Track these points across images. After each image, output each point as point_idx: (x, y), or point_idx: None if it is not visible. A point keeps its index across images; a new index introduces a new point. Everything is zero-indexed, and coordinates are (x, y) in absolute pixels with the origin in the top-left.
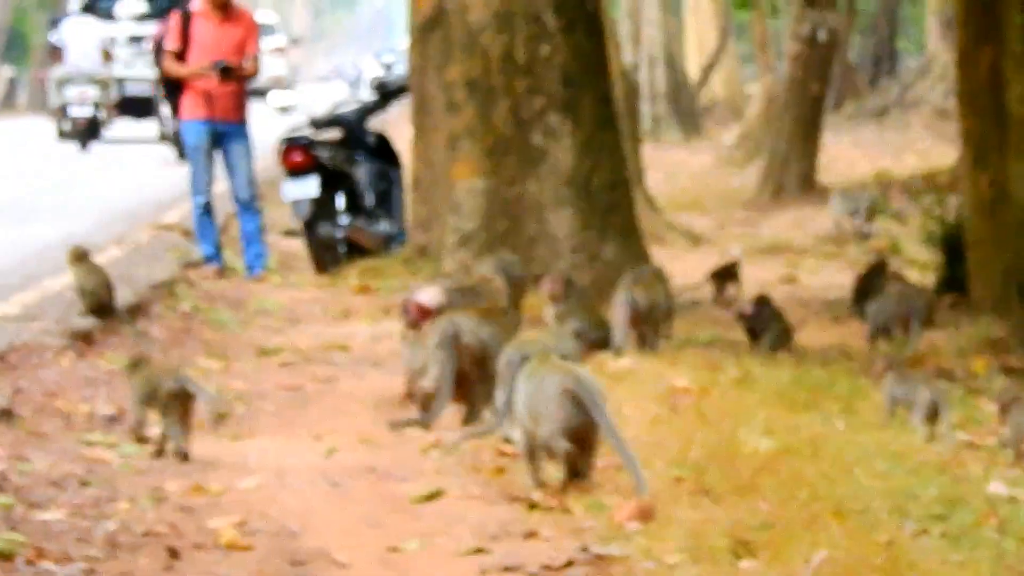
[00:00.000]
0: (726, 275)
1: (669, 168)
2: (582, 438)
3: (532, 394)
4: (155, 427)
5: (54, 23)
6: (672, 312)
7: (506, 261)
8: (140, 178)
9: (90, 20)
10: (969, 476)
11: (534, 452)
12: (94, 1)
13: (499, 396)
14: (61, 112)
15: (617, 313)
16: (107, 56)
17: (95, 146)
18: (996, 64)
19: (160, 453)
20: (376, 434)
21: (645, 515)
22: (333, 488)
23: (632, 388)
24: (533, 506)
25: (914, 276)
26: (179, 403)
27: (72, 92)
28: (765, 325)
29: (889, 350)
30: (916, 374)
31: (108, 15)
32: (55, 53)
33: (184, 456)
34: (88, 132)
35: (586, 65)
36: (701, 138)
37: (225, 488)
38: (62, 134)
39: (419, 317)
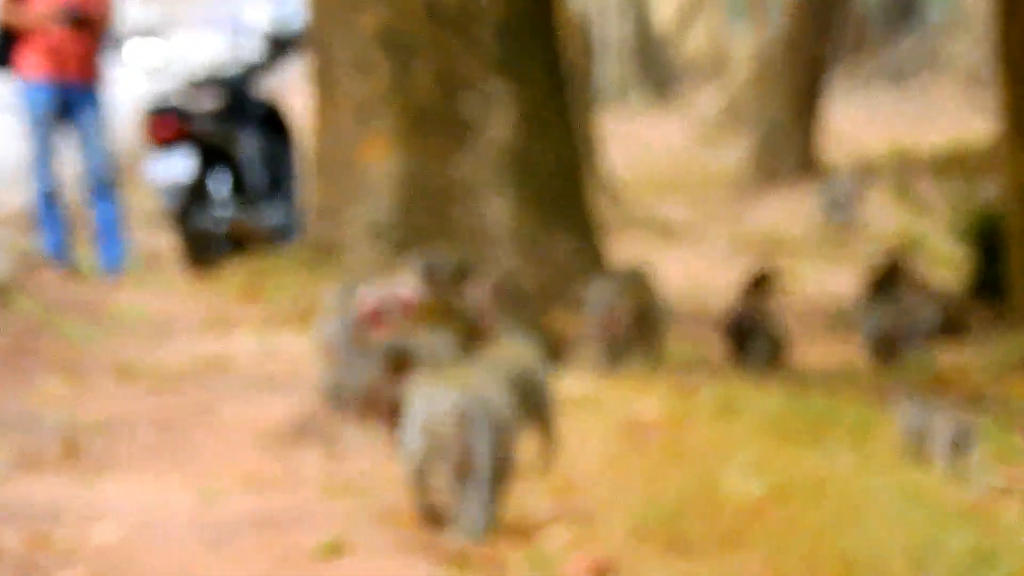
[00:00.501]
0: (761, 286)
1: (635, 143)
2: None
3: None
4: None
5: None
6: (663, 326)
7: (435, 260)
8: None
9: None
10: (1003, 525)
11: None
12: None
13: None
14: None
15: (593, 324)
16: None
17: None
18: None
19: None
20: (266, 473)
21: (601, 572)
22: (213, 541)
23: (591, 418)
24: (459, 559)
25: (940, 278)
26: None
27: None
28: (752, 340)
29: (901, 371)
30: (939, 401)
31: None
32: None
33: None
34: None
35: (530, 15)
36: (675, 106)
37: (76, 541)
38: None
39: (404, 316)
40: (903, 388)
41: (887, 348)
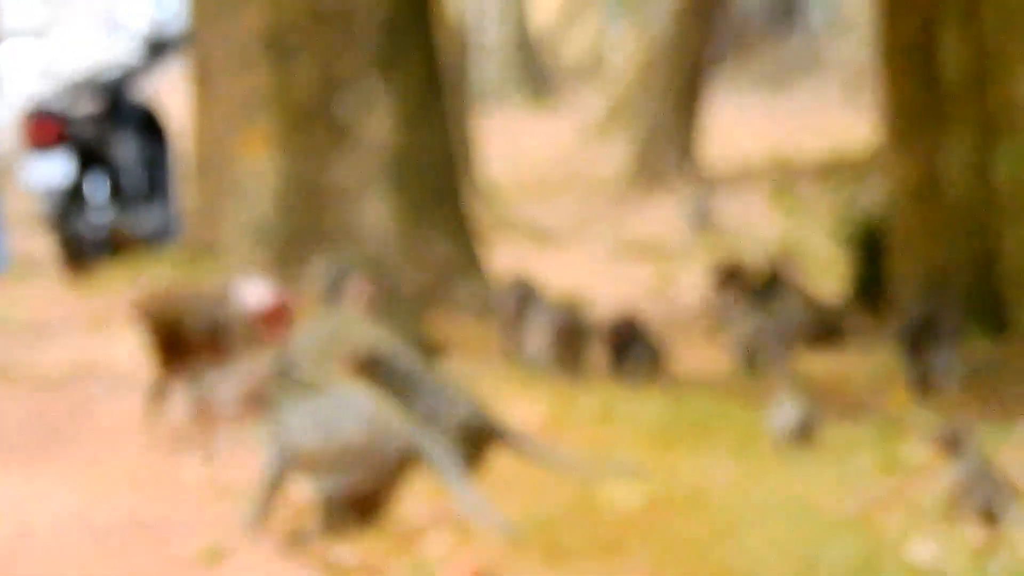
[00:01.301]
0: (731, 278)
1: (513, 146)
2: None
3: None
4: None
5: None
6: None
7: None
8: None
9: None
10: (886, 536)
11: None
12: None
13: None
14: None
15: (537, 335)
16: None
17: None
18: (929, 17)
19: None
20: (146, 476)
21: None
22: (93, 544)
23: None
24: (334, 569)
25: (820, 284)
26: None
27: None
28: (630, 348)
29: (771, 378)
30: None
31: None
32: None
33: None
34: None
35: (409, 15)
36: (554, 108)
37: None
38: None
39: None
40: (778, 394)
41: (756, 354)
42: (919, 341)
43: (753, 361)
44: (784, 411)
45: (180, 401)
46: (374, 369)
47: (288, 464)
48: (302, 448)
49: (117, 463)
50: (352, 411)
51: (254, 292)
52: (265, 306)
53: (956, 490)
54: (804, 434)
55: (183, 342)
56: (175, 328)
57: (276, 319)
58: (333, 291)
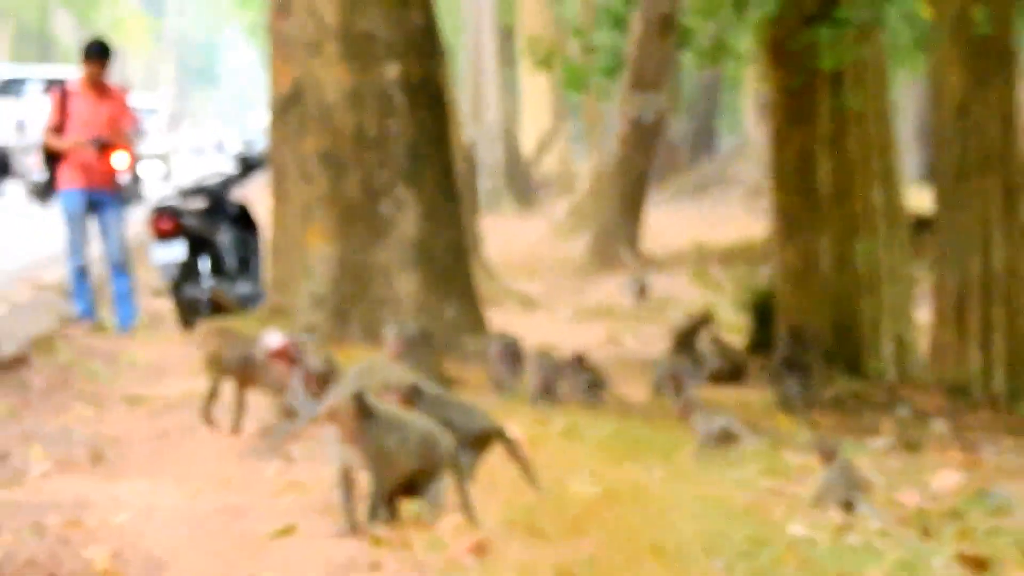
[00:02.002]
0: (692, 333)
1: (505, 237)
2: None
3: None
4: None
5: None
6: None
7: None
8: (24, 237)
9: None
10: (772, 519)
11: (383, 487)
12: (4, 86)
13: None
14: None
15: (533, 374)
16: (20, 128)
17: None
18: (806, 146)
19: None
20: (234, 476)
21: (480, 551)
22: (196, 524)
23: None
24: (377, 541)
25: (728, 338)
26: None
27: None
28: (589, 382)
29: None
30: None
31: (17, 95)
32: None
33: None
34: None
35: (430, 141)
36: (535, 210)
37: (100, 522)
38: None
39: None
40: (685, 405)
41: (672, 386)
42: (782, 376)
43: (665, 390)
44: (708, 421)
45: (253, 415)
46: (413, 395)
47: (379, 461)
48: (391, 449)
49: (214, 466)
50: (409, 426)
51: (270, 338)
52: (275, 347)
53: (825, 486)
54: (725, 439)
55: (224, 368)
56: (217, 358)
57: (281, 356)
58: (410, 347)
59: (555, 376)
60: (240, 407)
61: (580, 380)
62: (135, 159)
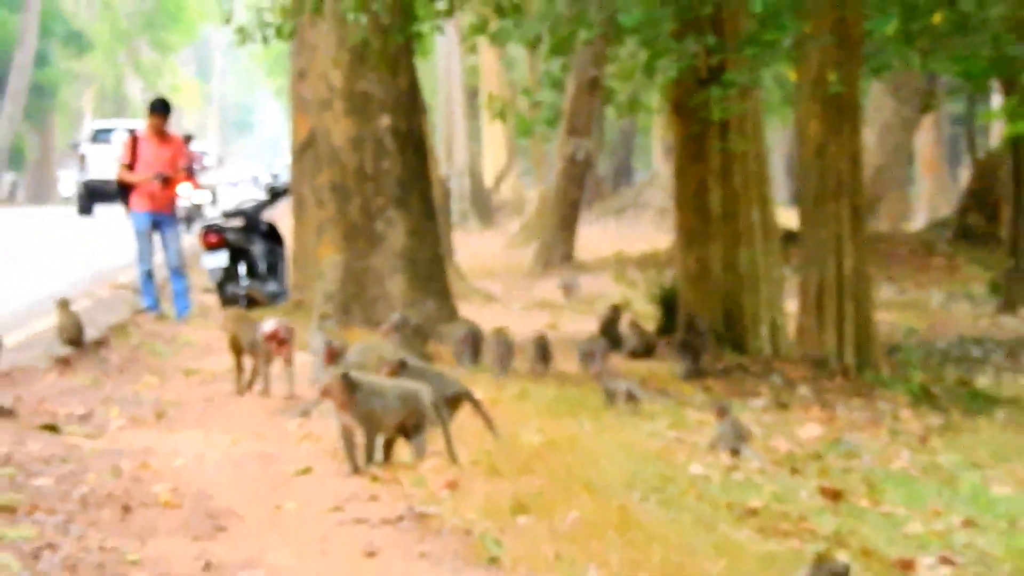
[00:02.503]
0: (612, 325)
1: (471, 248)
2: (409, 427)
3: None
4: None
5: (75, 146)
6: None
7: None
8: (105, 248)
9: (96, 146)
10: (677, 462)
11: (373, 439)
12: (96, 134)
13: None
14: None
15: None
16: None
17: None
18: (701, 178)
19: None
20: (265, 430)
21: (453, 486)
22: (236, 466)
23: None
24: (374, 479)
25: (644, 323)
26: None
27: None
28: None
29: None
30: (622, 377)
31: (107, 141)
32: (81, 161)
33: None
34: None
35: (414, 175)
36: (494, 227)
37: (162, 465)
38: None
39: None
40: (596, 370)
41: (589, 360)
42: (681, 354)
43: (586, 363)
44: (614, 384)
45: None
46: (399, 366)
47: (367, 420)
48: (375, 410)
49: (250, 422)
50: (389, 391)
51: (267, 324)
52: (269, 331)
53: (718, 436)
54: (628, 399)
55: (240, 347)
56: (235, 339)
57: (273, 338)
58: (399, 332)
59: (508, 351)
60: (262, 376)
61: (536, 353)
62: (197, 187)
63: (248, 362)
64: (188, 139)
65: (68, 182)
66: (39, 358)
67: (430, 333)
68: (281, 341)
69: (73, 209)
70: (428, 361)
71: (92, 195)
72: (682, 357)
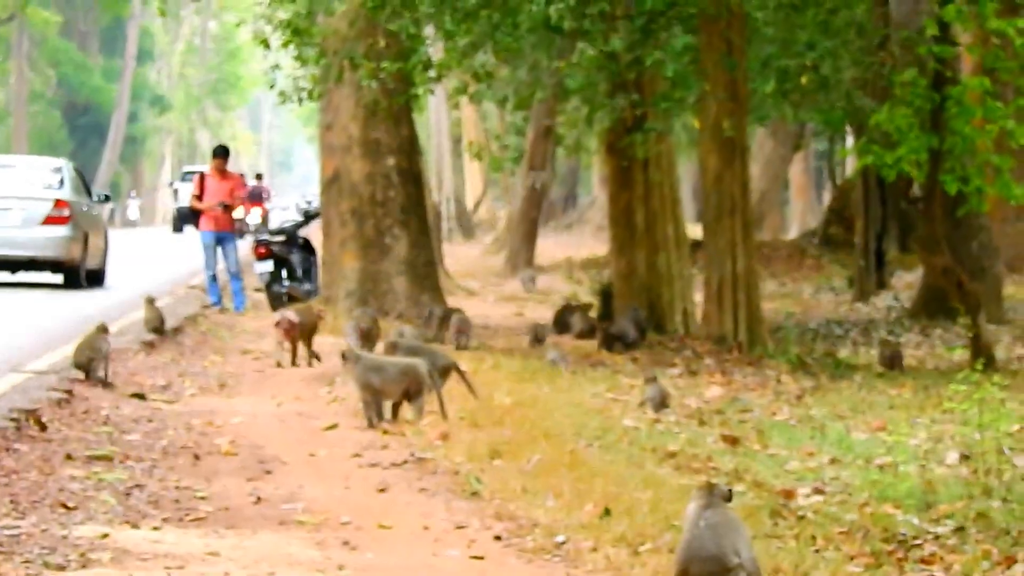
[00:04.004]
0: (566, 315)
1: (456, 256)
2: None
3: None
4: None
5: (170, 184)
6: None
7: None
8: (183, 259)
9: (184, 183)
10: (614, 416)
11: (379, 404)
12: (184, 174)
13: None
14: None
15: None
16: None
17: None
18: (629, 201)
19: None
20: (303, 394)
21: (444, 437)
22: (280, 423)
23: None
24: (385, 432)
25: (591, 313)
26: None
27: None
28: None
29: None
30: (562, 348)
31: (191, 179)
32: (175, 195)
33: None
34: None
35: (413, 202)
36: (473, 240)
37: (223, 423)
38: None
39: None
40: (534, 337)
41: (539, 339)
42: (614, 337)
43: (536, 342)
44: (551, 353)
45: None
46: (394, 348)
47: (371, 388)
48: (378, 383)
49: (291, 389)
50: (388, 365)
51: (276, 315)
52: (276, 320)
53: (647, 396)
54: (564, 361)
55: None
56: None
57: (279, 325)
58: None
59: (466, 326)
60: (296, 353)
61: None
62: (265, 211)
63: (301, 346)
64: (259, 177)
65: (165, 210)
66: (131, 342)
67: (423, 321)
68: (286, 328)
69: (168, 229)
70: (426, 341)
71: (182, 219)
72: (612, 340)
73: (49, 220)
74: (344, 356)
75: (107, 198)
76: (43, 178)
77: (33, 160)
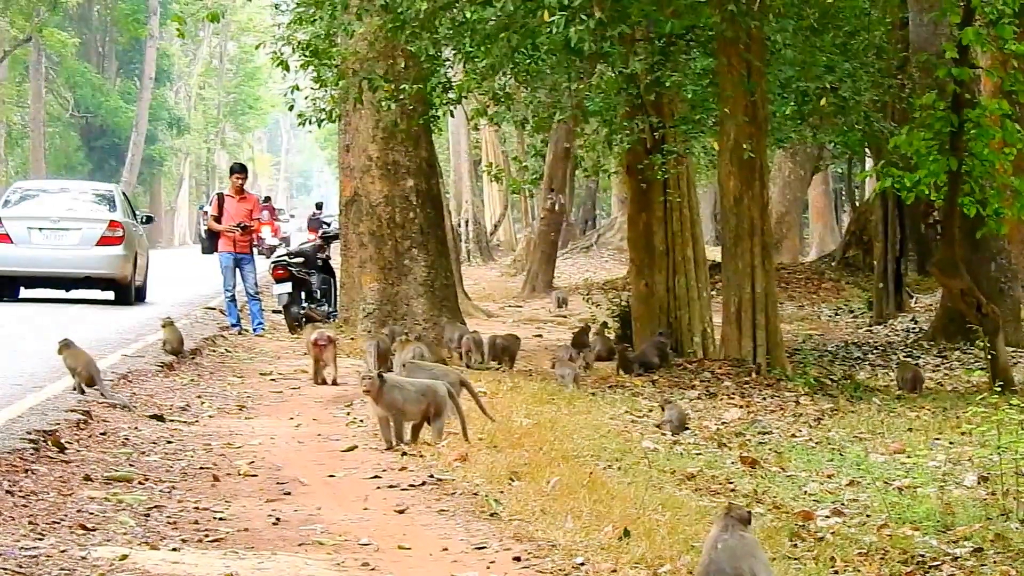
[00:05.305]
0: (583, 336)
1: (475, 278)
2: (431, 415)
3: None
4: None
5: (201, 207)
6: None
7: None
8: (204, 281)
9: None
10: (633, 438)
11: (400, 424)
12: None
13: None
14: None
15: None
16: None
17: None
18: (648, 222)
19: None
20: (321, 416)
21: (463, 458)
22: (299, 444)
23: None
24: (404, 454)
25: (610, 335)
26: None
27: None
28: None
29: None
30: (571, 365)
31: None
32: (203, 216)
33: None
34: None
35: (432, 223)
36: (492, 262)
37: (243, 444)
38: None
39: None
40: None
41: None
42: (637, 362)
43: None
44: (564, 371)
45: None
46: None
47: (396, 411)
48: (401, 403)
49: (310, 411)
50: (408, 387)
51: (312, 334)
52: (313, 339)
53: (666, 418)
54: (575, 382)
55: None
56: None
57: (316, 345)
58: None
59: (478, 346)
60: (312, 370)
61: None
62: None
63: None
64: (268, 199)
65: (182, 231)
66: (150, 363)
67: (441, 343)
68: (321, 346)
69: (198, 249)
70: (443, 362)
71: (211, 240)
72: (634, 367)
73: (104, 240)
74: (364, 377)
75: (150, 219)
76: (96, 201)
77: (85, 184)
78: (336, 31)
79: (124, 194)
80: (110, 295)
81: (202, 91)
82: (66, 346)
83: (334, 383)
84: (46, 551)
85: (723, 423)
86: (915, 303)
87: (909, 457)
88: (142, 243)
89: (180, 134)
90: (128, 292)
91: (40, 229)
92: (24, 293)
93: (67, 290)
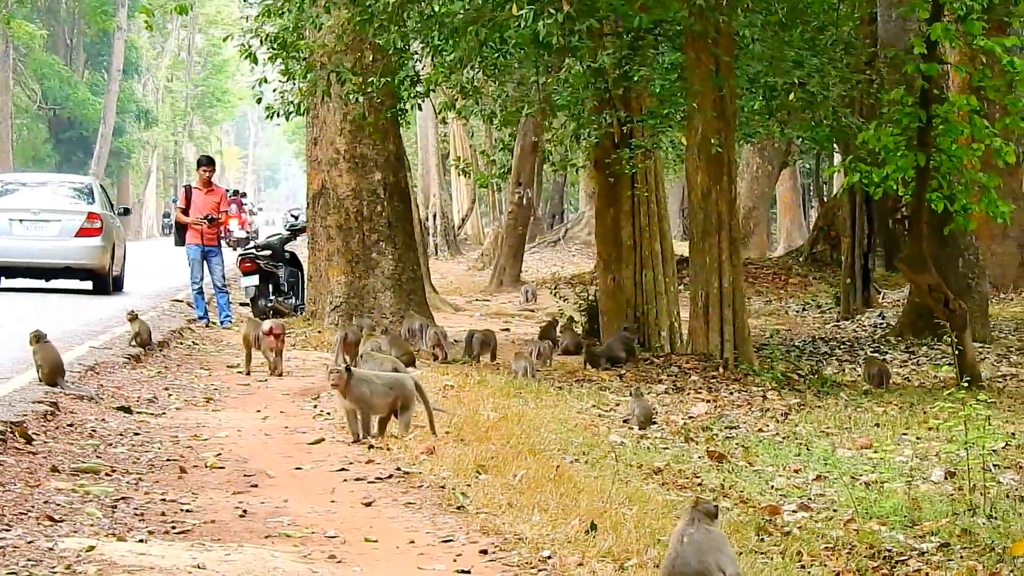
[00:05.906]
0: (550, 330)
1: (443, 271)
2: (398, 408)
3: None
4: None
5: (173, 201)
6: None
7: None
8: (172, 274)
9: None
10: (600, 432)
11: (368, 417)
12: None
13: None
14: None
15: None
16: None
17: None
18: (616, 217)
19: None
20: (288, 408)
21: (430, 451)
22: (266, 437)
23: (424, 385)
24: (371, 447)
25: (577, 330)
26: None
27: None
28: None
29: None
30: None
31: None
32: (177, 210)
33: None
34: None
35: (400, 217)
36: (460, 256)
37: (210, 436)
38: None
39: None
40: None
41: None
42: (603, 356)
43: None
44: (518, 364)
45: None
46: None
47: (363, 405)
48: (369, 396)
49: (276, 403)
50: (375, 381)
51: (265, 324)
52: (266, 329)
53: (633, 413)
54: (533, 374)
55: (249, 342)
56: (246, 337)
57: (269, 334)
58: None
59: (443, 339)
60: (267, 361)
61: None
62: (244, 224)
63: (256, 353)
64: (237, 193)
65: (150, 223)
66: (117, 356)
67: (410, 337)
68: (277, 335)
69: (165, 242)
70: (411, 357)
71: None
72: (600, 359)
73: (83, 232)
74: (331, 371)
75: (127, 211)
76: (74, 194)
77: (63, 177)
78: (304, 24)
79: (102, 187)
80: (88, 285)
81: (170, 84)
82: (37, 339)
83: (279, 375)
84: (12, 542)
85: (690, 417)
86: (883, 298)
87: (876, 452)
88: (119, 234)
89: (148, 127)
90: (106, 282)
91: (21, 221)
92: (4, 283)
93: (47, 280)
